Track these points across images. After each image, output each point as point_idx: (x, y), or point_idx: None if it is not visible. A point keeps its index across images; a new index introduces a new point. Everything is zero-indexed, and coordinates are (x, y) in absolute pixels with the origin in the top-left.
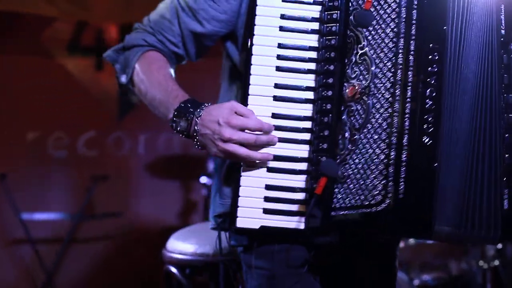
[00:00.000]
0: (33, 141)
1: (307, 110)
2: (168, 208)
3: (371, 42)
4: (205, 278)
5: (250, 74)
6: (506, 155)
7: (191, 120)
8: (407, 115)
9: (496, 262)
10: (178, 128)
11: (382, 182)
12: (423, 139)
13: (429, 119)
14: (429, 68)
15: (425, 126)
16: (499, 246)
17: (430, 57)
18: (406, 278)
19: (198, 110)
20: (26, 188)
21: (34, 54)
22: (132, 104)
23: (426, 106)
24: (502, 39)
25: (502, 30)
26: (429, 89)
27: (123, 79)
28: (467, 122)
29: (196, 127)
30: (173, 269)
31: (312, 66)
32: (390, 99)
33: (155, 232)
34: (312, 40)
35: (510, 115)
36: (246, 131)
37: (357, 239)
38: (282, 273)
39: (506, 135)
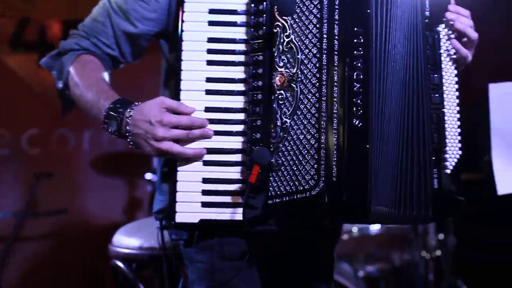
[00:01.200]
0: None
1: (239, 102)
2: (113, 205)
3: (296, 29)
4: (151, 271)
5: (181, 70)
6: (435, 135)
7: (121, 120)
8: (335, 99)
9: (438, 253)
10: (110, 130)
11: (315, 166)
12: (353, 122)
13: (358, 102)
14: (355, 52)
15: (354, 109)
16: (441, 236)
17: (355, 40)
18: (351, 270)
19: (128, 109)
20: None
21: None
22: None
23: (354, 89)
24: (426, 20)
25: (426, 12)
26: (355, 72)
27: (60, 84)
28: (397, 103)
29: (127, 127)
30: (120, 264)
31: (242, 58)
32: (317, 84)
33: (101, 229)
34: (241, 33)
35: (437, 95)
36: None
37: (297, 225)
38: (220, 266)
39: (434, 114)
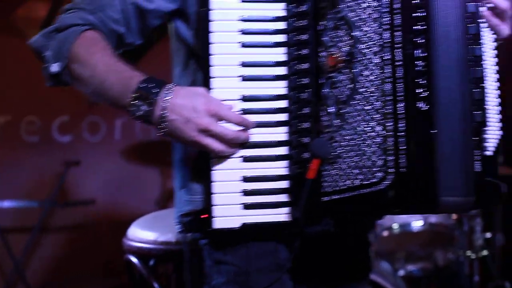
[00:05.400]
0: (4, 126)
1: (280, 88)
2: (145, 195)
3: (350, 4)
4: (169, 268)
5: (211, 54)
6: (478, 112)
7: (155, 103)
8: (399, 80)
9: (485, 252)
10: (138, 113)
11: (382, 157)
12: (418, 105)
13: (422, 83)
14: (416, 27)
15: (418, 91)
16: (488, 235)
17: (415, 14)
18: (390, 269)
19: (165, 91)
20: None
21: (6, 34)
22: None
23: (417, 68)
24: None
25: None
26: (419, 50)
27: (55, 68)
28: (456, 82)
29: (163, 112)
30: (133, 259)
31: (280, 38)
32: (380, 63)
33: (130, 221)
34: (278, 10)
35: (478, 68)
36: (222, 123)
37: (353, 222)
38: (256, 271)
39: (476, 90)
